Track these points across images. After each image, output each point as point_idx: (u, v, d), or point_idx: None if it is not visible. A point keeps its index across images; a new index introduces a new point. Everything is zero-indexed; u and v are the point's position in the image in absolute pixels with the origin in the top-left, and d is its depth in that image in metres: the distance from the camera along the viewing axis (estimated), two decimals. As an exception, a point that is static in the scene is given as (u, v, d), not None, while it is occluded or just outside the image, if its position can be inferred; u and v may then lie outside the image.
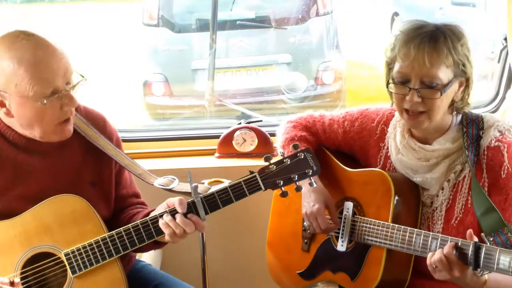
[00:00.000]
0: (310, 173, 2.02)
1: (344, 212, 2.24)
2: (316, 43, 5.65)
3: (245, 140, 3.10)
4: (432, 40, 1.99)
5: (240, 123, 3.17)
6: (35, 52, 1.94)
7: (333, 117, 2.40)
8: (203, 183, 2.40)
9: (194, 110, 4.89)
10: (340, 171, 2.32)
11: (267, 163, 2.02)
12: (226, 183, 2.09)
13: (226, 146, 3.11)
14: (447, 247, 1.90)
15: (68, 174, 2.14)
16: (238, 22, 5.24)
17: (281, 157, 2.03)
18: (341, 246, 2.23)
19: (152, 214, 2.05)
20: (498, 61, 3.15)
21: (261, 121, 3.27)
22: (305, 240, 2.36)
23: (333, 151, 2.40)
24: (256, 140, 3.09)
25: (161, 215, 2.01)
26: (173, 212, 2.01)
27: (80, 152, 2.17)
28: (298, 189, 2.05)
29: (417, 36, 2.00)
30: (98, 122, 2.23)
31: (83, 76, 2.05)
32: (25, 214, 2.05)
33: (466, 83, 2.06)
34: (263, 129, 3.13)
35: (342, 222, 2.23)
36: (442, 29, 2.02)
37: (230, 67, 5.29)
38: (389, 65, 2.10)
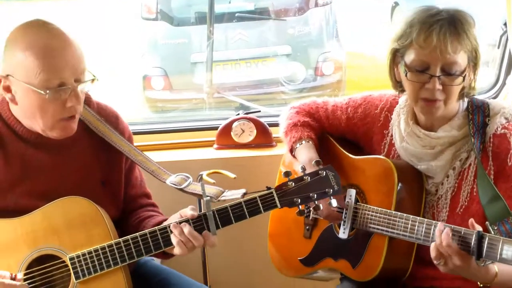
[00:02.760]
0: (331, 193, 1.97)
1: (347, 199, 2.22)
2: (316, 34, 5.63)
3: (243, 131, 3.08)
4: (451, 26, 1.96)
5: (238, 114, 3.15)
6: (48, 40, 1.91)
7: (336, 103, 2.38)
8: (201, 174, 2.38)
9: (194, 103, 4.88)
10: (343, 158, 2.29)
11: (286, 179, 1.96)
12: (239, 194, 2.03)
13: (225, 137, 3.09)
14: (444, 233, 1.88)
15: (77, 171, 2.10)
16: (237, 14, 5.23)
17: (302, 174, 1.97)
18: (343, 233, 2.22)
19: (164, 224, 2.02)
20: (498, 47, 3.13)
21: (259, 111, 3.25)
22: (307, 227, 2.34)
23: (337, 137, 2.38)
24: (255, 131, 3.07)
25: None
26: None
27: (91, 150, 2.14)
28: (317, 208, 1.99)
29: (436, 22, 1.97)
30: (111, 119, 2.20)
31: (94, 76, 2.01)
32: (33, 213, 2.02)
33: (474, 67, 2.04)
34: (262, 120, 3.11)
35: (345, 209, 2.22)
36: (456, 14, 2.00)
37: (229, 59, 5.27)
38: (397, 52, 2.06)
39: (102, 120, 2.16)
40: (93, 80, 2.00)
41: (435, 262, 1.92)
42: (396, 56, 2.09)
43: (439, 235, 1.89)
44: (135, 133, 3.10)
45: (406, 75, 2.03)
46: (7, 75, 1.93)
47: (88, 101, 2.18)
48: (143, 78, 5.48)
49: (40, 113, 1.95)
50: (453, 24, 1.97)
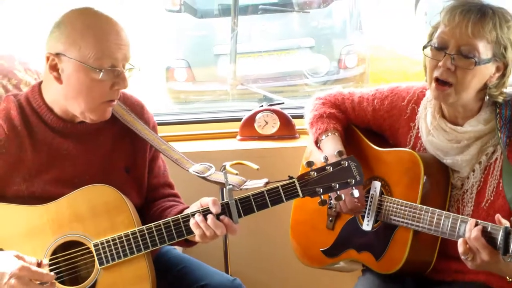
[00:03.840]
0: (353, 183, 1.97)
1: (371, 191, 2.22)
2: (339, 26, 5.61)
3: (267, 123, 3.08)
4: (480, 12, 1.96)
5: (262, 106, 3.16)
6: (106, 24, 2.00)
7: (362, 94, 2.37)
8: (224, 165, 2.39)
9: (218, 95, 4.89)
10: (368, 149, 2.29)
11: (308, 169, 1.97)
12: (261, 183, 2.04)
13: (248, 128, 3.10)
14: (475, 230, 1.85)
15: (102, 159, 2.14)
16: (260, 6, 5.22)
17: (324, 164, 1.98)
18: (367, 225, 2.22)
19: (185, 212, 2.04)
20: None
21: (283, 103, 3.25)
22: (330, 218, 2.34)
23: (362, 129, 2.38)
24: (278, 123, 3.08)
25: (193, 214, 1.99)
26: (205, 213, 1.98)
27: (115, 137, 2.18)
28: (338, 198, 1.99)
29: (466, 5, 1.97)
30: (136, 108, 2.25)
31: (133, 66, 2.07)
32: (59, 200, 2.05)
33: (503, 70, 2.01)
34: (285, 112, 3.11)
35: (369, 201, 2.21)
36: (492, 7, 1.98)
37: (252, 51, 5.26)
38: (432, 35, 2.05)
39: (127, 110, 2.20)
40: (136, 68, 2.08)
41: (462, 257, 1.89)
42: (431, 39, 2.07)
43: (470, 230, 1.87)
44: (160, 124, 3.14)
45: (424, 50, 2.03)
46: (58, 54, 1.98)
47: None
48: (166, 69, 5.50)
49: (86, 92, 2.00)
50: (483, 11, 1.96)
